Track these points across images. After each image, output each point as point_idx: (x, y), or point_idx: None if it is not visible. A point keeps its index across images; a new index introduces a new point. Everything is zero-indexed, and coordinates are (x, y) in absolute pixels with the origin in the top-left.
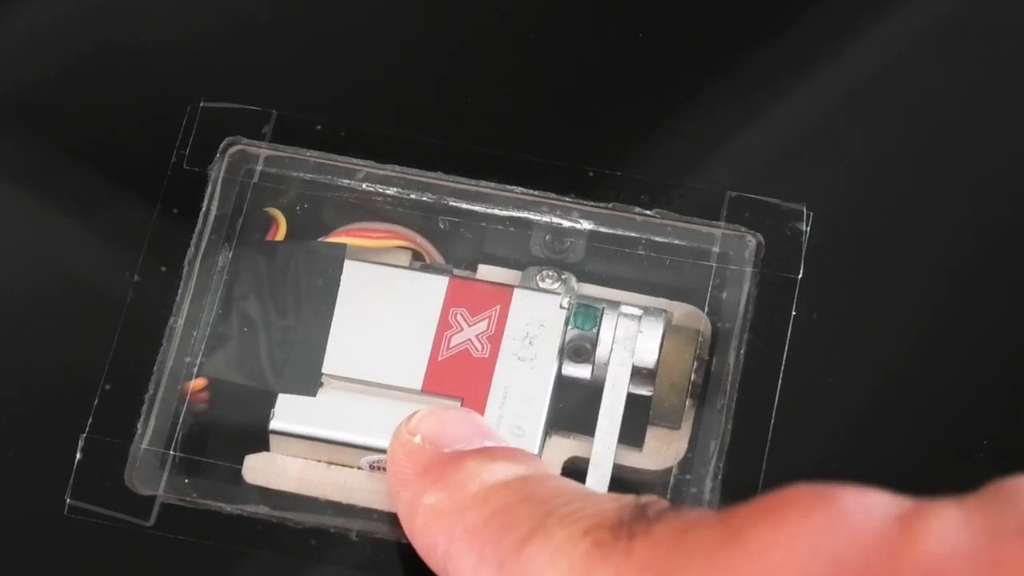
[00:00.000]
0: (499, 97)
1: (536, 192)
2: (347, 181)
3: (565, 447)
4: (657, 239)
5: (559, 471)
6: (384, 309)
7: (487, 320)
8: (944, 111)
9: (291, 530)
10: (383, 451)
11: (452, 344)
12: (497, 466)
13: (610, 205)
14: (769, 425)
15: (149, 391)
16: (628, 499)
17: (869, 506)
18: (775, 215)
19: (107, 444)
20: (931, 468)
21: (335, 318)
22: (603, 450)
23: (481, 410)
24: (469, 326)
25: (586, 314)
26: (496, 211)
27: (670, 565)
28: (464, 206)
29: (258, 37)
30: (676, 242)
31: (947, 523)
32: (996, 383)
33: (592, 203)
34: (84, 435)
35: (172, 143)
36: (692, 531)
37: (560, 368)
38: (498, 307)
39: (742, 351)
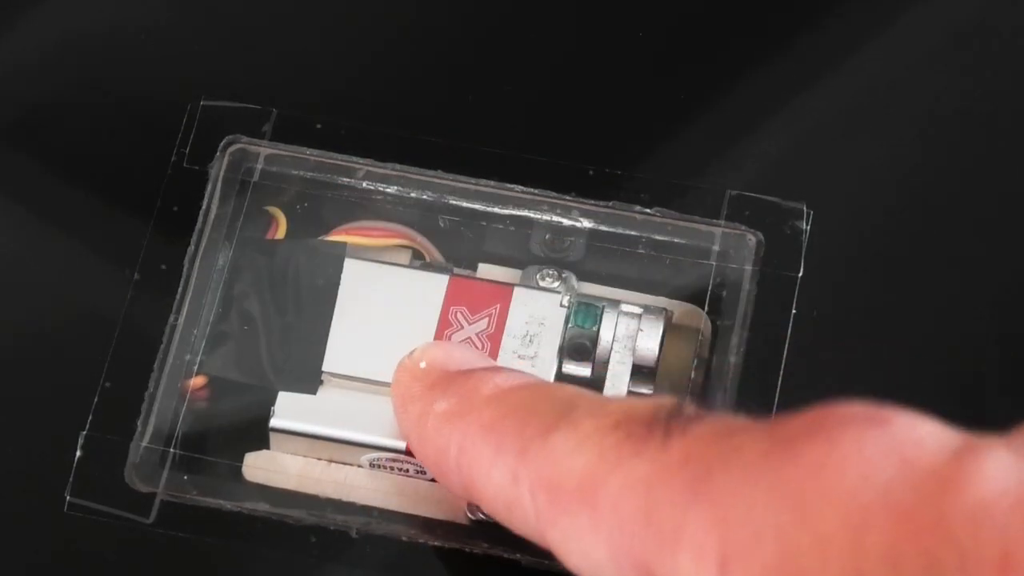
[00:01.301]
0: (499, 96)
1: (536, 191)
2: (347, 180)
3: None
4: (657, 238)
5: None
6: (384, 307)
7: (487, 318)
8: (944, 110)
9: (291, 527)
10: (383, 448)
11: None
12: (510, 373)
13: (610, 204)
14: None
15: (149, 389)
16: (660, 397)
17: (923, 438)
18: (775, 213)
19: (107, 442)
20: None
21: (335, 316)
22: None
23: None
24: (469, 324)
25: (586, 312)
26: (496, 210)
27: (711, 467)
28: (464, 205)
29: (258, 35)
30: (676, 241)
31: (998, 466)
32: (997, 382)
33: (592, 202)
34: (84, 432)
35: (172, 141)
36: (736, 435)
37: (560, 366)
38: (498, 306)
39: (742, 350)
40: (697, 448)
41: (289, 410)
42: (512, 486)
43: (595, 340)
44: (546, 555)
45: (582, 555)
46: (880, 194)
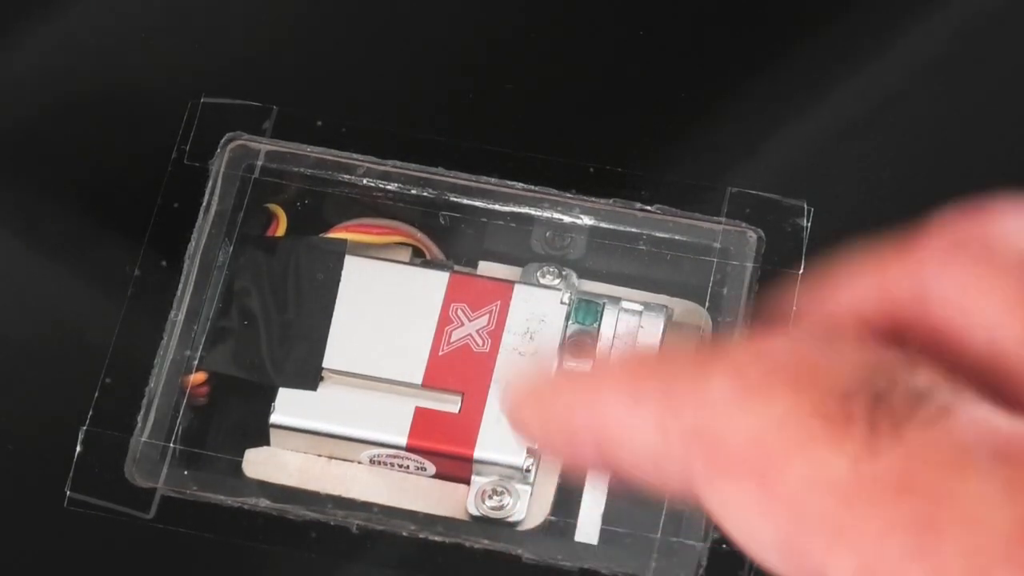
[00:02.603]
0: (500, 93)
1: (537, 188)
2: (348, 177)
3: None
4: (658, 235)
5: (558, 466)
6: (385, 304)
7: (488, 315)
8: (944, 110)
9: (291, 523)
10: (383, 445)
11: (453, 339)
12: None
13: (611, 201)
14: None
15: (149, 384)
16: (852, 353)
17: None
18: (776, 211)
19: (107, 437)
20: None
21: (336, 313)
22: None
23: (482, 405)
24: (470, 321)
25: (587, 309)
26: (497, 207)
27: (935, 517)
28: (465, 202)
29: (259, 33)
30: (677, 238)
31: None
32: None
33: (593, 199)
34: (85, 428)
35: (173, 138)
36: (970, 476)
37: (561, 363)
38: (499, 302)
39: None
40: (920, 474)
41: (289, 406)
42: (657, 436)
43: (596, 337)
44: (547, 552)
45: (746, 531)
46: (880, 192)
